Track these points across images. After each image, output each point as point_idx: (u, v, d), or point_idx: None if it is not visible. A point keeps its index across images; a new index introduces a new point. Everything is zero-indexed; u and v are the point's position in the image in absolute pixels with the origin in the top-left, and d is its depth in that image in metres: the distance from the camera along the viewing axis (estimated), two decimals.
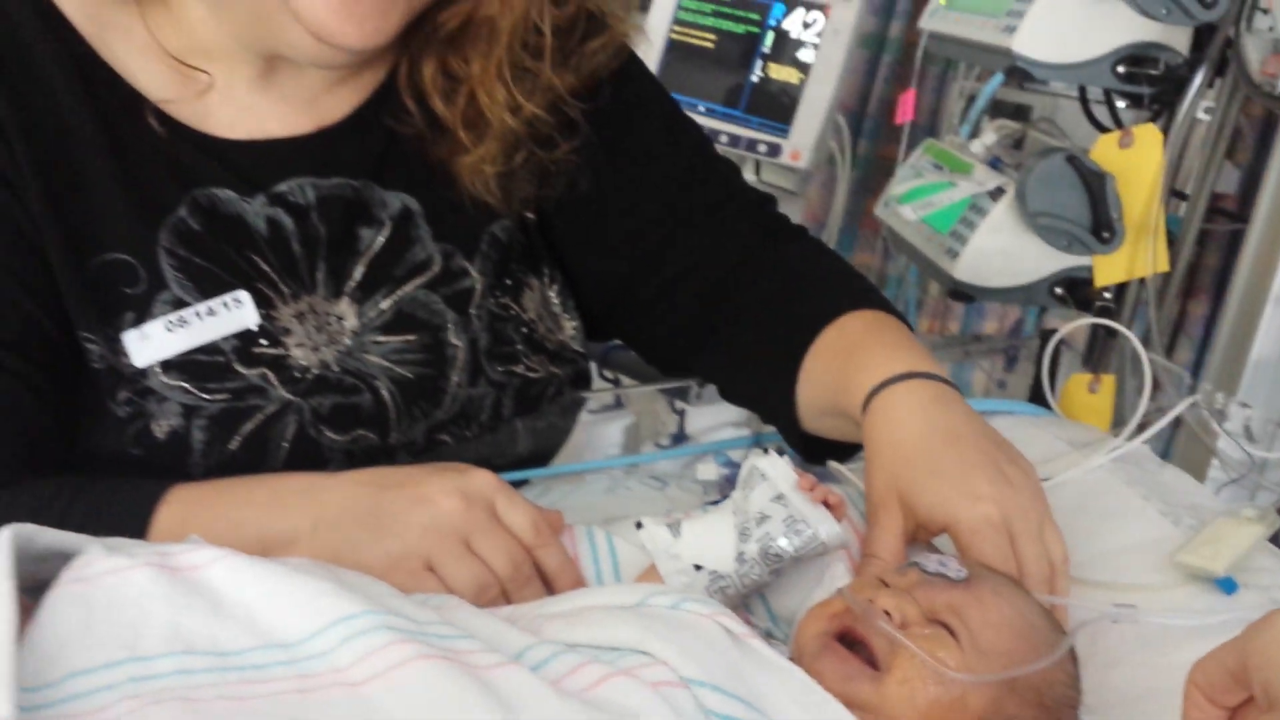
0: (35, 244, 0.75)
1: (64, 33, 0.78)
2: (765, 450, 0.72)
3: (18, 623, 0.50)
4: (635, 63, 0.98)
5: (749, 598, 0.72)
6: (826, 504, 0.69)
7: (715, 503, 0.75)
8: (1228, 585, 0.79)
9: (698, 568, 0.69)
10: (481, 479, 0.73)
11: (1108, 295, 1.19)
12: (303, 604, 0.56)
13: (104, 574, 0.54)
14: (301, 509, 0.72)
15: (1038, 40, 1.14)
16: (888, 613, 0.62)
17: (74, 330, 0.77)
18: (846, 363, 0.83)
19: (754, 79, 1.84)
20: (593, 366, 1.46)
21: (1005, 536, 0.71)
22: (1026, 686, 0.63)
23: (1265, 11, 1.08)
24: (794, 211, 1.98)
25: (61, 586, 0.53)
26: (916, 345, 0.83)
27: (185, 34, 0.80)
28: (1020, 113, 1.75)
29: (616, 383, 1.45)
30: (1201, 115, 1.41)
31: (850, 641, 0.62)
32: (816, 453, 0.91)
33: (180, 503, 0.72)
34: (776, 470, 0.70)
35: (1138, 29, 1.12)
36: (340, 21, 0.74)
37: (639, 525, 0.72)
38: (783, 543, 0.67)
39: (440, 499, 0.71)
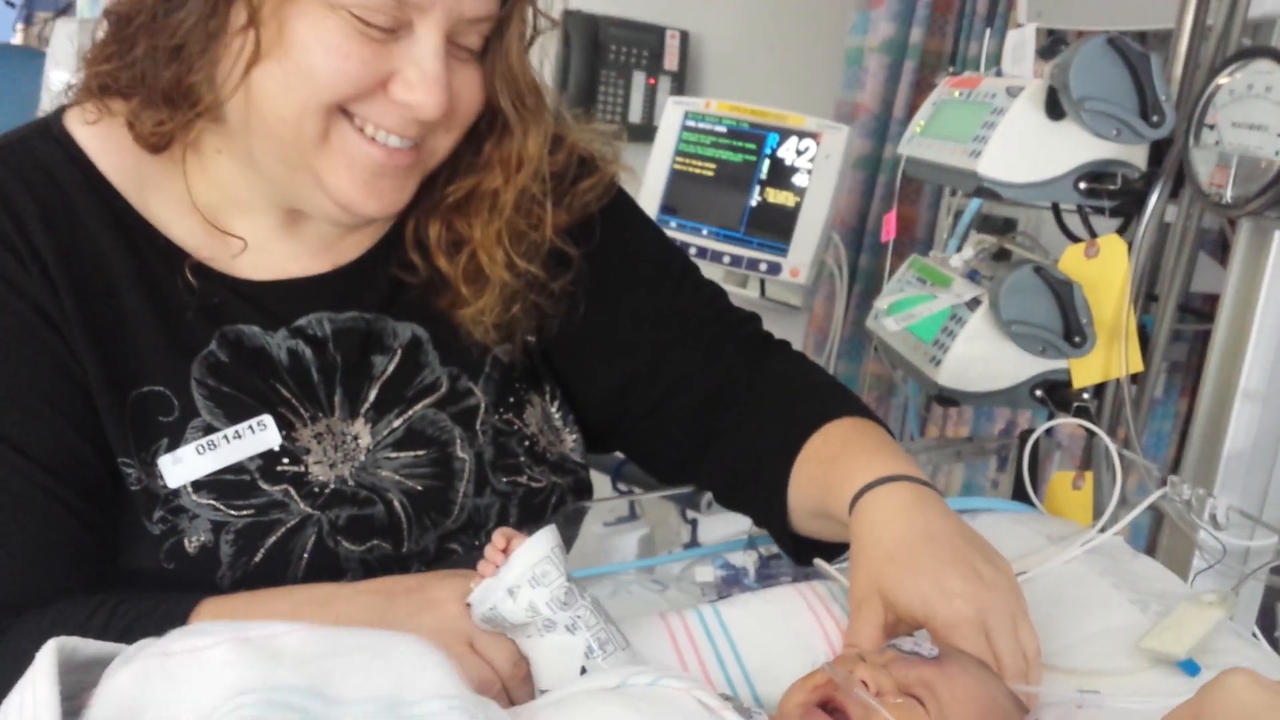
0: (79, 380, 0.83)
1: (106, 193, 0.87)
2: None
3: None
4: (624, 198, 1.07)
5: (734, 682, 0.77)
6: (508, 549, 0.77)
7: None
8: (1190, 667, 0.83)
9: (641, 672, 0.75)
10: None
11: (1086, 396, 1.24)
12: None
13: (181, 650, 0.60)
14: (319, 618, 0.78)
15: (1000, 162, 1.22)
16: (865, 683, 0.67)
17: (113, 457, 0.85)
18: (832, 468, 0.89)
19: (753, 203, 1.94)
20: (607, 480, 1.53)
21: (980, 631, 0.75)
22: None
23: (1211, 127, 1.16)
24: (798, 325, 2.06)
25: (142, 662, 0.60)
26: (897, 449, 0.90)
27: (216, 189, 0.89)
28: (1008, 226, 1.84)
29: (630, 493, 1.51)
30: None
31: (830, 709, 0.67)
32: (805, 553, 0.96)
33: (211, 614, 0.79)
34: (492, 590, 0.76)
35: (1095, 148, 1.21)
36: (364, 197, 0.85)
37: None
38: (540, 595, 0.75)
39: (446, 604, 0.78)
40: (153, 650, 0.63)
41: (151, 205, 0.88)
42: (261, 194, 0.90)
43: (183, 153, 0.88)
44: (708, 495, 1.26)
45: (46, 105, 2.85)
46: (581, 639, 0.76)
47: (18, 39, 4.58)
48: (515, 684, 0.76)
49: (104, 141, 0.87)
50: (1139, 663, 0.84)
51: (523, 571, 0.75)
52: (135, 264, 0.87)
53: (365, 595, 0.80)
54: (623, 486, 1.55)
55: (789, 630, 0.83)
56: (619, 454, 1.17)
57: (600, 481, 1.32)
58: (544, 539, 0.76)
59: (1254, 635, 0.96)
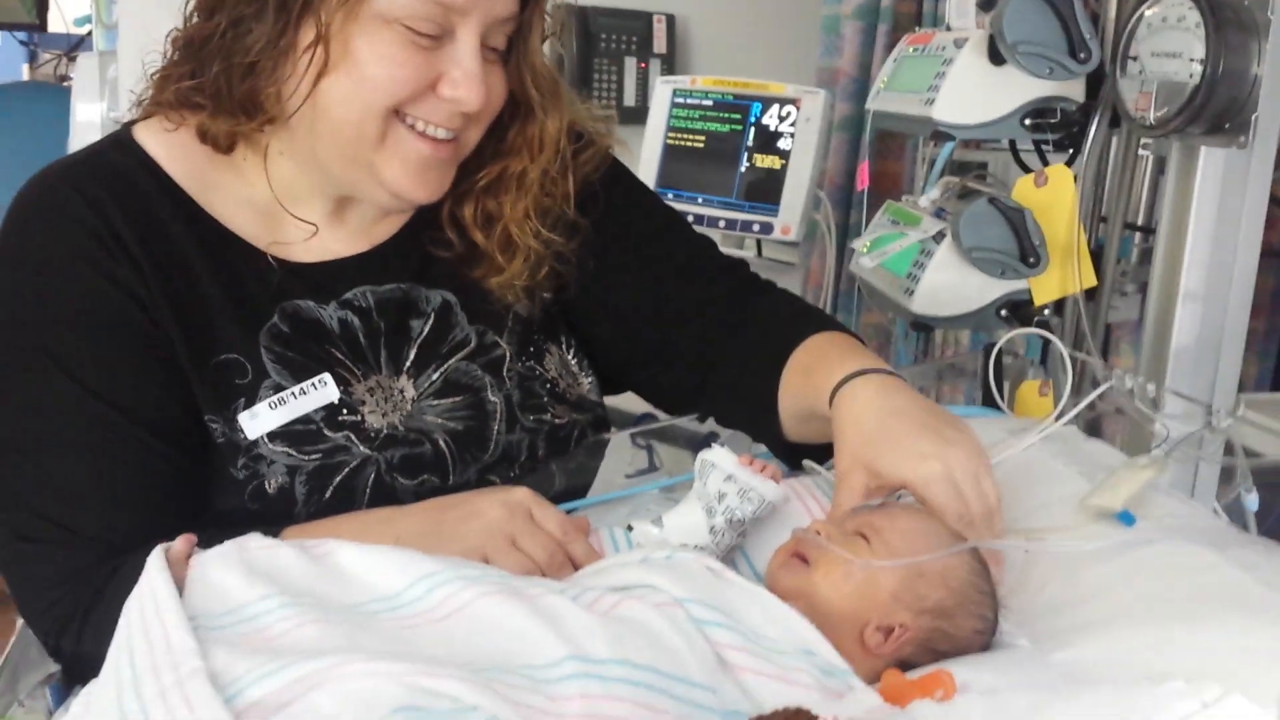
0: (166, 351, 0.99)
1: (175, 193, 1.03)
2: (710, 445, 0.93)
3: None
4: (619, 166, 1.22)
5: (733, 556, 0.92)
6: (764, 472, 0.90)
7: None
8: (1126, 518, 0.97)
9: (683, 547, 0.90)
10: (520, 492, 0.95)
11: (1046, 312, 1.39)
12: (398, 568, 0.79)
13: (259, 549, 0.77)
14: (382, 533, 0.94)
15: (952, 106, 1.36)
16: (818, 531, 0.82)
17: (201, 415, 1.00)
18: (811, 373, 1.04)
19: (742, 169, 2.08)
20: (628, 436, 1.68)
21: (950, 484, 0.89)
22: (932, 572, 0.83)
23: (1134, 59, 1.30)
24: (795, 281, 2.20)
25: (225, 553, 0.77)
26: (867, 352, 1.05)
27: (273, 185, 1.05)
28: (981, 170, 1.98)
29: (649, 449, 1.66)
30: (1142, 151, 1.63)
31: (798, 558, 0.83)
32: (796, 457, 1.12)
33: (294, 535, 0.94)
34: (722, 458, 0.91)
35: (1034, 87, 1.35)
36: (415, 186, 1.01)
37: (629, 528, 0.94)
38: (741, 510, 0.88)
39: (489, 509, 0.93)
40: (233, 546, 0.80)
41: (214, 202, 1.04)
42: (316, 187, 1.05)
43: (244, 156, 1.04)
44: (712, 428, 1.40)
45: (75, 135, 3.01)
46: (704, 534, 0.90)
47: (24, 76, 4.76)
48: (553, 570, 0.91)
49: (170, 149, 1.03)
50: (1083, 519, 0.99)
51: (752, 480, 0.90)
52: (204, 252, 1.02)
53: (421, 512, 0.96)
54: (640, 441, 1.70)
55: (782, 517, 0.98)
56: (638, 411, 1.32)
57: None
58: (778, 491, 0.92)
59: (1215, 512, 1.10)
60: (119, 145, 1.04)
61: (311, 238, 1.07)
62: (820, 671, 0.75)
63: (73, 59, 4.40)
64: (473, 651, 0.73)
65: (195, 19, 1.00)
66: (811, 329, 1.11)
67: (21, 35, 4.64)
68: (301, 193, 1.06)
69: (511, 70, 1.05)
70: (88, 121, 2.93)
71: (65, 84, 4.12)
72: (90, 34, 4.00)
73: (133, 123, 1.06)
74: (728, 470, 0.90)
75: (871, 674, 0.78)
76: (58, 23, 4.44)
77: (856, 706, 0.70)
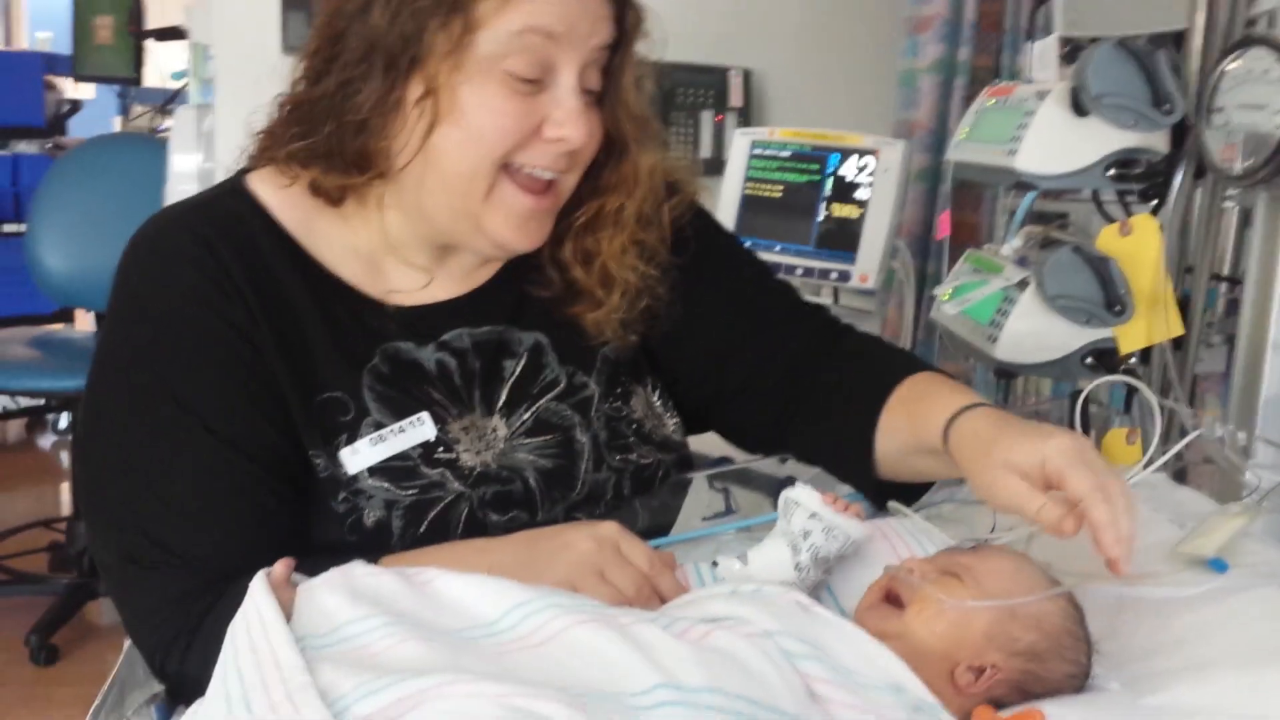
0: (274, 388, 1.03)
1: (285, 240, 1.07)
2: (792, 484, 0.94)
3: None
4: (705, 212, 1.26)
5: (818, 593, 0.93)
6: (848, 511, 0.91)
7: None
8: (1219, 565, 0.97)
9: (768, 583, 0.91)
10: (608, 527, 0.97)
11: (1133, 360, 1.38)
12: (494, 596, 0.81)
13: (363, 575, 0.79)
14: (477, 563, 0.96)
15: (1034, 157, 1.37)
16: (911, 570, 0.83)
17: (305, 450, 1.04)
18: (919, 409, 1.06)
19: (819, 219, 2.11)
20: (705, 479, 1.70)
21: (1081, 461, 0.87)
22: (1026, 615, 0.83)
23: (1219, 110, 1.30)
24: (873, 327, 2.20)
25: (330, 579, 0.79)
26: (969, 389, 1.07)
27: (379, 234, 1.09)
28: (1063, 220, 1.98)
29: (726, 492, 1.68)
30: (1225, 204, 1.63)
31: (889, 598, 0.84)
32: (884, 498, 1.12)
33: (392, 564, 0.97)
34: (806, 496, 0.92)
35: (1117, 138, 1.35)
36: (518, 236, 1.06)
37: (715, 564, 0.95)
38: (826, 547, 0.89)
39: (579, 543, 0.96)
40: (338, 574, 0.83)
41: (321, 249, 1.09)
42: (421, 237, 1.09)
43: (353, 208, 1.08)
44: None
45: (172, 184, 3.14)
46: (789, 570, 0.91)
47: (116, 129, 4.97)
48: (641, 602, 0.93)
49: (281, 198, 1.08)
50: (1176, 565, 0.98)
51: (836, 519, 0.92)
52: (311, 296, 1.06)
53: (514, 543, 0.99)
54: (718, 485, 1.72)
55: (867, 555, 0.99)
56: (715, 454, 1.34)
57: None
58: (861, 529, 0.93)
59: None
60: (233, 193, 1.09)
61: (412, 284, 1.10)
62: (910, 708, 0.76)
63: (167, 112, 4.59)
64: (566, 677, 0.75)
65: (303, 85, 1.05)
66: (910, 368, 1.13)
67: (119, 89, 4.84)
68: (406, 243, 1.10)
69: (606, 110, 1.08)
70: (184, 172, 3.04)
71: (158, 136, 4.30)
72: (184, 87, 4.18)
73: (245, 171, 1.11)
74: (812, 508, 0.91)
75: (961, 712, 0.79)
76: (152, 77, 4.64)
77: None
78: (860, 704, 0.75)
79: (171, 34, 3.99)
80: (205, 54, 3.46)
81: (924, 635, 0.80)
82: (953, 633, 0.81)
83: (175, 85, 4.34)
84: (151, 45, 4.25)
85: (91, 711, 0.95)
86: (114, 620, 3.41)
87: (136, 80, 4.31)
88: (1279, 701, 0.78)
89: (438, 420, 1.07)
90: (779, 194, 2.18)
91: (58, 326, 4.10)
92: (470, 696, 0.70)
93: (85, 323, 4.22)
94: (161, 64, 4.86)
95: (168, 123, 4.65)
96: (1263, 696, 0.78)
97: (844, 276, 2.04)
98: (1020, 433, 0.92)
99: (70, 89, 4.74)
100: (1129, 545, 0.84)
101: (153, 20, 4.23)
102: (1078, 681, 0.86)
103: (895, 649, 0.79)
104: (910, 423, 1.07)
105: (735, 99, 2.86)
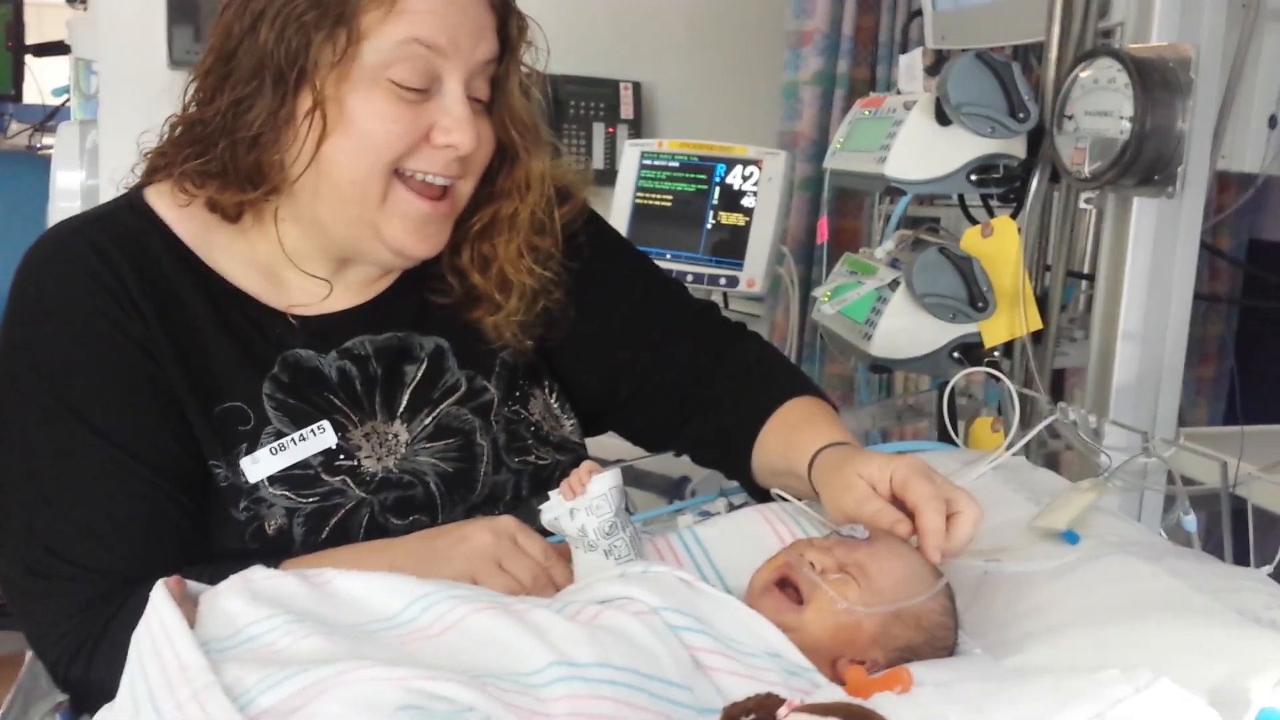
0: (173, 398, 1.05)
1: (183, 253, 1.09)
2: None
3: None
4: (596, 216, 1.31)
5: (704, 572, 0.99)
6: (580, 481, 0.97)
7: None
8: (1070, 537, 1.05)
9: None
10: (505, 521, 1.02)
11: (996, 353, 1.47)
12: (394, 591, 0.85)
13: (263, 579, 0.83)
14: (377, 561, 0.99)
15: (903, 164, 1.46)
16: (812, 564, 0.89)
17: (205, 459, 1.06)
18: (793, 436, 1.14)
19: (708, 226, 2.18)
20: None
21: (926, 475, 0.97)
22: (909, 616, 0.89)
23: (1070, 117, 1.40)
24: (760, 330, 2.26)
25: (231, 584, 0.82)
26: (840, 423, 1.16)
27: (277, 248, 1.11)
28: (934, 224, 2.08)
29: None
30: (1083, 205, 1.74)
31: (785, 585, 0.89)
32: (766, 497, 1.19)
33: (292, 566, 1.00)
34: (550, 509, 0.98)
35: (978, 145, 1.45)
36: (416, 242, 1.09)
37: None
38: (602, 519, 0.95)
39: (476, 535, 1.00)
40: (238, 579, 0.86)
41: (219, 261, 1.11)
42: (319, 249, 1.12)
43: (250, 223, 1.11)
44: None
45: (55, 202, 3.07)
46: (611, 560, 0.96)
47: None
48: (537, 590, 0.97)
49: (178, 214, 1.10)
50: (1031, 539, 1.06)
51: (584, 499, 0.96)
52: (210, 307, 1.08)
53: (413, 541, 1.03)
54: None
55: (750, 537, 1.05)
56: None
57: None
58: (607, 478, 0.97)
59: (1159, 535, 1.18)
60: (130, 207, 1.11)
61: (311, 294, 1.13)
62: (786, 672, 0.82)
63: (45, 129, 4.48)
64: (466, 661, 0.79)
65: (194, 105, 1.08)
66: (790, 390, 1.21)
67: None
68: (305, 255, 1.12)
69: (496, 119, 1.13)
70: (67, 189, 2.99)
71: (39, 153, 4.18)
72: (65, 104, 4.09)
73: (142, 186, 1.13)
74: (560, 512, 0.97)
75: (834, 677, 0.85)
76: (32, 93, 4.52)
77: (822, 698, 0.76)
78: (742, 670, 0.80)
79: (52, 49, 3.91)
80: (88, 69, 3.41)
81: (817, 633, 0.86)
82: (844, 634, 0.86)
83: (53, 102, 4.24)
84: (30, 61, 4.15)
85: None
86: (10, 650, 3.33)
87: (16, 96, 4.20)
88: (1123, 654, 0.84)
89: (338, 428, 1.10)
90: (669, 203, 2.25)
91: None
92: (372, 681, 0.73)
93: None
94: (40, 80, 4.73)
95: (47, 140, 4.55)
96: (1109, 651, 0.85)
97: (732, 282, 2.12)
98: (873, 454, 1.03)
99: None
100: (964, 547, 0.95)
101: (31, 36, 4.13)
102: (945, 654, 0.93)
103: (790, 639, 0.84)
104: (782, 448, 1.15)
105: (626, 111, 2.93)
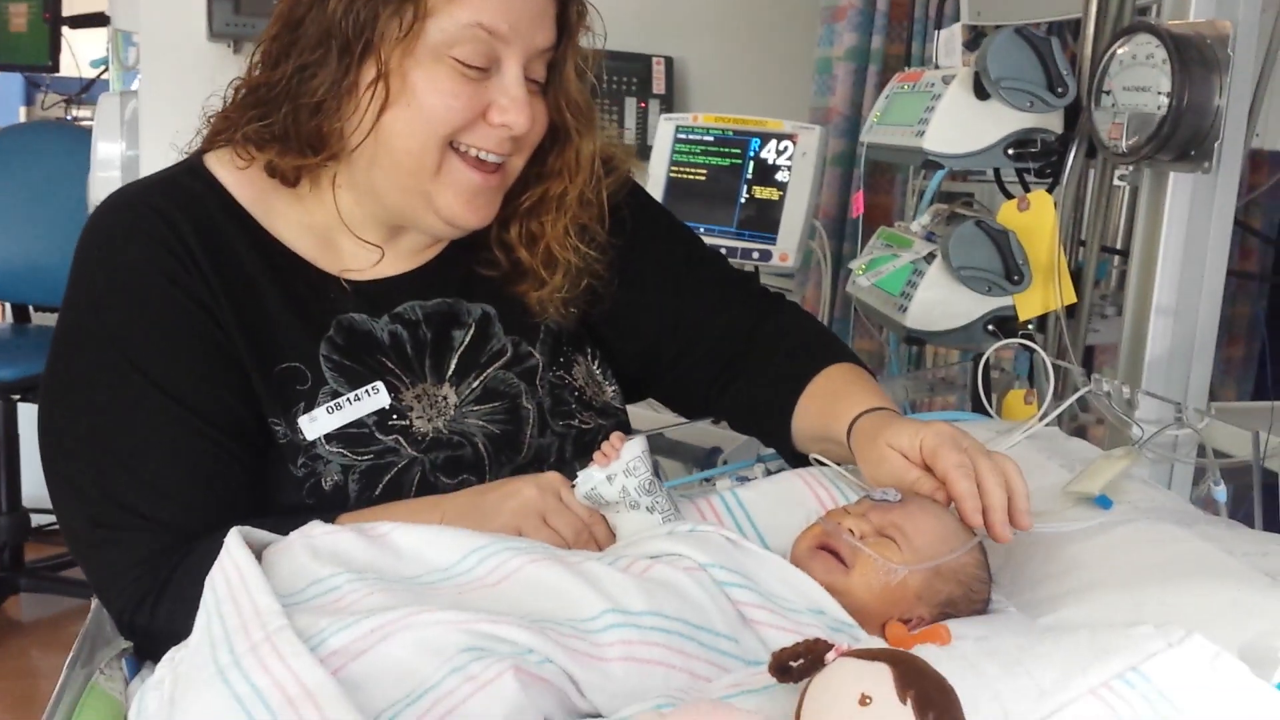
0: (234, 357, 1.08)
1: (242, 217, 1.13)
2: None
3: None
4: (639, 188, 1.33)
5: (746, 533, 1.03)
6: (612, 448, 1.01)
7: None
8: (1104, 502, 1.07)
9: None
10: (551, 476, 1.05)
11: (1030, 326, 1.50)
12: (450, 543, 0.88)
13: (321, 534, 0.86)
14: (430, 515, 1.03)
15: (940, 138, 1.48)
16: (851, 530, 0.92)
17: (265, 417, 1.10)
18: (832, 403, 1.17)
19: (742, 201, 2.20)
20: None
21: (957, 445, 0.99)
22: (948, 571, 0.93)
23: (1108, 93, 1.41)
24: None
25: (292, 540, 0.86)
26: (878, 389, 1.19)
27: (333, 213, 1.15)
28: (969, 199, 2.10)
29: (655, 461, 1.78)
30: (1117, 182, 1.75)
31: (828, 551, 0.92)
32: (804, 462, 1.22)
33: (350, 520, 1.04)
34: (587, 479, 1.01)
35: (1016, 120, 1.46)
36: (468, 212, 1.12)
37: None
38: (640, 480, 0.99)
39: (523, 489, 1.03)
40: (299, 535, 0.90)
41: (277, 226, 1.14)
42: (372, 217, 1.15)
43: (307, 188, 1.14)
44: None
45: (96, 172, 3.11)
46: (657, 516, 1.00)
47: (20, 118, 4.88)
48: (580, 546, 1.00)
49: (237, 178, 1.13)
50: (1065, 504, 1.09)
51: (619, 464, 1.00)
52: (269, 270, 1.12)
53: (464, 495, 1.06)
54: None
55: (790, 499, 1.08)
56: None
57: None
58: (638, 443, 1.01)
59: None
60: (191, 172, 1.14)
61: (365, 260, 1.16)
62: (830, 628, 0.85)
63: (80, 101, 4.52)
64: (524, 609, 0.82)
65: (259, 69, 1.11)
66: (829, 358, 1.23)
67: (34, 77, 4.76)
68: (359, 221, 1.16)
69: (550, 100, 1.16)
70: (108, 159, 3.03)
71: (78, 125, 4.23)
72: (101, 75, 4.13)
73: (203, 151, 1.16)
74: (597, 480, 1.00)
75: (875, 630, 0.88)
76: (68, 65, 4.57)
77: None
78: (786, 624, 0.84)
79: (89, 21, 3.95)
80: (128, 41, 3.45)
81: (865, 596, 0.89)
82: (891, 593, 0.89)
83: (89, 74, 4.28)
84: (67, 33, 4.19)
85: (66, 664, 1.00)
86: (35, 616, 3.40)
87: (54, 68, 4.25)
88: (1155, 614, 0.87)
89: (391, 389, 1.13)
90: (703, 177, 2.27)
91: None
92: (435, 624, 0.77)
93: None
94: (76, 52, 4.78)
95: (81, 111, 4.60)
96: (1141, 610, 0.88)
97: (765, 256, 2.14)
98: (905, 423, 1.05)
99: None
100: (1001, 510, 0.95)
101: (67, 8, 4.17)
102: (981, 610, 0.96)
103: (839, 602, 0.88)
104: (821, 415, 1.18)
105: (658, 86, 2.95)
